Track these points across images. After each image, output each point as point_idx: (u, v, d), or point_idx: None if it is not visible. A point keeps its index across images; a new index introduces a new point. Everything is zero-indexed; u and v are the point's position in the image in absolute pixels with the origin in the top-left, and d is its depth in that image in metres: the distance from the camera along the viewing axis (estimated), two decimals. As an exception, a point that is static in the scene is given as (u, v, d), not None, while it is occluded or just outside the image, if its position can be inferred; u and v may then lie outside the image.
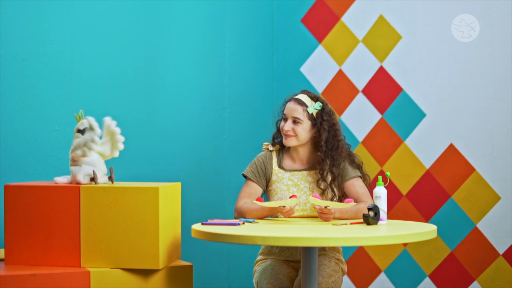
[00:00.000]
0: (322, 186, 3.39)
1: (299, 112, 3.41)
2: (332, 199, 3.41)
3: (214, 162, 4.53)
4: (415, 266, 4.20)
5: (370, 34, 4.39)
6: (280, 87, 4.73)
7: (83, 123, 3.31)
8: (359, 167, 3.47)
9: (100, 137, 3.32)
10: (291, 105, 3.44)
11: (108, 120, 3.33)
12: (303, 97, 3.45)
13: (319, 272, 3.22)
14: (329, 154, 3.40)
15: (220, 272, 4.55)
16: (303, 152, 3.47)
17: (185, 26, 4.42)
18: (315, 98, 3.46)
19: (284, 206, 3.20)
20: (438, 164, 4.14)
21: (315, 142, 3.44)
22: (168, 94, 4.35)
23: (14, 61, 3.80)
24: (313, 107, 3.42)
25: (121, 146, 3.34)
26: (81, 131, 3.30)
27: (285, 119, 3.44)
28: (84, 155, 3.25)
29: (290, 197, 3.25)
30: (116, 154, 3.35)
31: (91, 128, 3.28)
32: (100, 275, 3.15)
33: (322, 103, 3.44)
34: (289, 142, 3.42)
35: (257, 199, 3.25)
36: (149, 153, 4.23)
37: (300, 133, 3.41)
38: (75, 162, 3.28)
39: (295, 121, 3.41)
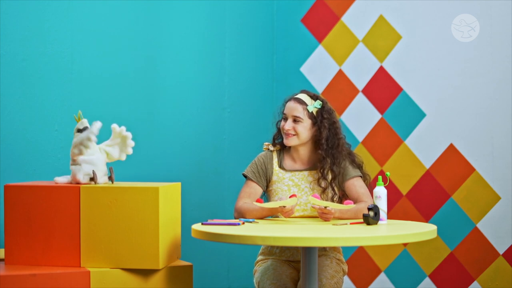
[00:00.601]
0: (323, 185, 3.39)
1: (299, 111, 3.42)
2: (332, 198, 3.41)
3: (214, 162, 4.53)
4: (415, 266, 4.20)
5: (370, 34, 4.39)
6: (280, 87, 4.73)
7: (82, 123, 3.31)
8: (359, 166, 3.47)
9: (97, 136, 3.32)
10: (291, 104, 3.44)
11: (116, 126, 3.33)
12: (303, 96, 3.46)
13: (321, 273, 3.22)
14: (329, 153, 3.41)
15: (220, 272, 4.55)
16: (304, 152, 3.47)
17: (185, 26, 4.42)
18: (314, 97, 3.47)
19: (284, 206, 3.20)
20: (438, 164, 4.14)
21: (315, 141, 3.44)
22: (168, 94, 4.35)
23: (14, 61, 3.80)
24: (313, 106, 3.43)
25: (130, 151, 3.35)
26: (81, 131, 3.30)
27: (285, 119, 3.44)
28: (80, 153, 3.25)
29: (290, 197, 3.25)
30: (124, 157, 3.35)
31: (87, 127, 3.29)
32: (100, 275, 3.15)
33: (322, 101, 3.45)
34: (290, 141, 3.42)
35: (257, 201, 3.24)
36: (149, 153, 4.23)
37: (300, 132, 3.41)
38: (75, 161, 3.28)
39: (296, 120, 3.41)
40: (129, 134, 3.34)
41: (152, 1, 4.28)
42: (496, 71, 3.97)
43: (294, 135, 3.41)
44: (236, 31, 4.63)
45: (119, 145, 3.35)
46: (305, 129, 3.42)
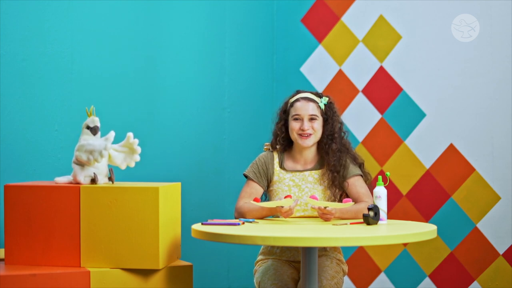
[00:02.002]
0: (330, 177, 3.39)
1: (314, 109, 3.42)
2: (335, 192, 3.40)
3: (214, 162, 4.53)
4: (415, 266, 4.20)
5: (370, 34, 4.39)
6: (280, 87, 4.73)
7: (93, 121, 3.29)
8: (360, 165, 3.47)
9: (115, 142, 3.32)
10: (303, 104, 3.42)
11: (131, 136, 3.33)
12: (310, 95, 3.46)
13: (322, 274, 3.22)
14: (338, 147, 3.42)
15: (220, 272, 4.55)
16: (309, 152, 3.46)
17: (185, 26, 4.42)
18: (317, 94, 3.50)
19: (282, 207, 3.20)
20: (438, 164, 4.14)
21: (321, 139, 3.44)
22: (168, 94, 4.35)
23: (14, 61, 3.80)
24: (322, 102, 3.44)
25: (132, 164, 3.34)
26: (91, 129, 3.28)
27: (298, 120, 3.42)
28: (88, 162, 3.24)
29: (285, 197, 3.25)
30: (123, 167, 3.34)
31: (97, 126, 3.28)
32: (100, 275, 3.15)
33: (327, 97, 3.47)
34: (310, 141, 3.41)
35: (254, 199, 3.24)
36: (149, 153, 4.22)
37: (318, 130, 3.41)
38: (79, 162, 3.27)
39: (312, 118, 3.41)
40: (139, 149, 3.33)
41: (152, 1, 4.28)
42: (496, 71, 3.97)
43: (312, 134, 3.41)
44: (236, 31, 4.63)
45: (125, 154, 3.35)
46: (320, 126, 3.43)
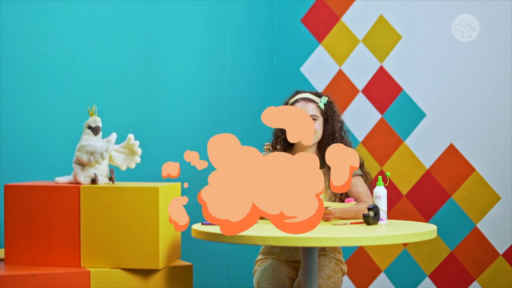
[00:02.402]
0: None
1: (313, 109, 3.42)
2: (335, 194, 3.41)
3: (214, 162, 4.53)
4: (415, 266, 4.20)
5: (370, 34, 4.39)
6: (280, 87, 4.73)
7: (95, 121, 3.29)
8: (360, 165, 3.47)
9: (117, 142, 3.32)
10: (303, 105, 3.43)
11: (132, 138, 3.33)
12: (309, 95, 3.46)
13: (319, 273, 3.21)
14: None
15: (220, 272, 4.55)
16: (310, 151, 3.46)
17: (185, 26, 4.42)
18: (317, 94, 3.49)
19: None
20: (438, 164, 4.14)
21: (322, 138, 3.44)
22: (168, 94, 4.35)
23: (14, 61, 3.80)
24: (322, 102, 3.44)
25: (132, 166, 3.34)
26: (92, 129, 3.28)
27: None
28: (89, 163, 3.24)
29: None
30: (124, 167, 3.34)
31: (99, 126, 3.28)
32: (100, 275, 3.15)
33: (327, 96, 3.47)
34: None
35: None
36: (149, 153, 4.22)
37: (318, 130, 3.42)
38: (80, 162, 3.27)
39: (313, 119, 3.41)
40: (139, 151, 3.34)
41: (152, 1, 4.28)
42: (496, 71, 3.97)
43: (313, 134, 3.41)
44: (236, 31, 4.63)
45: (126, 155, 3.35)
46: (320, 127, 3.43)
